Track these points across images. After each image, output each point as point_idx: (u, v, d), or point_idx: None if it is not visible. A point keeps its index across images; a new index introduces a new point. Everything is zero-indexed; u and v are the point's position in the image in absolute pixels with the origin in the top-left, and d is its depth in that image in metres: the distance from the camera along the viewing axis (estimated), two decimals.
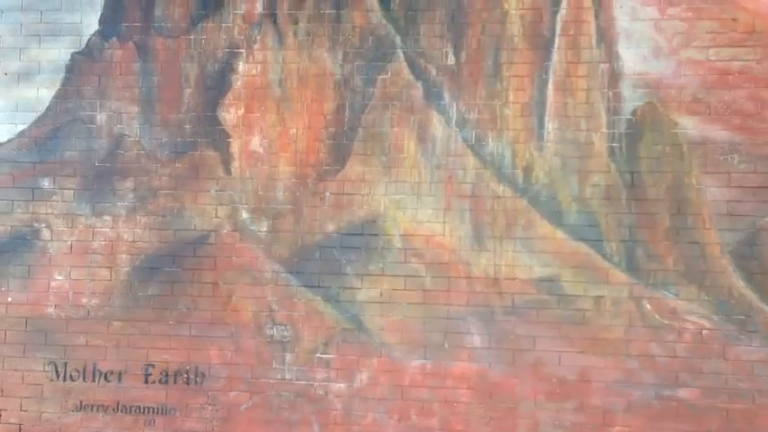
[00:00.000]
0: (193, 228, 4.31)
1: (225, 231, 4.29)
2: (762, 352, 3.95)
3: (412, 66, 4.23)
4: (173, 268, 4.30)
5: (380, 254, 4.19)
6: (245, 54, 4.36)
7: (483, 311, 4.11)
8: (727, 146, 4.00)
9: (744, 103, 4.00)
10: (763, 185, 3.95)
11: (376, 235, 4.20)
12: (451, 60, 4.22)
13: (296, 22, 4.35)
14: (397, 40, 4.25)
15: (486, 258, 4.11)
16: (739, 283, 3.97)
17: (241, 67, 4.35)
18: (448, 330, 4.12)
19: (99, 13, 4.42)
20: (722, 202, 3.98)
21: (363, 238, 4.21)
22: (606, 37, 4.12)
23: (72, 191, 4.34)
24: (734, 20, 4.01)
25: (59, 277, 4.29)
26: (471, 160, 4.16)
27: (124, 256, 4.27)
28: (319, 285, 4.22)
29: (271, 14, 4.36)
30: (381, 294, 4.17)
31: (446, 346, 4.12)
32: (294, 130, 4.30)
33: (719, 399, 3.95)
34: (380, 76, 4.23)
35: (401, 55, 4.24)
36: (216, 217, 4.30)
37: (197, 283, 4.27)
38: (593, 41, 4.13)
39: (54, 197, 4.36)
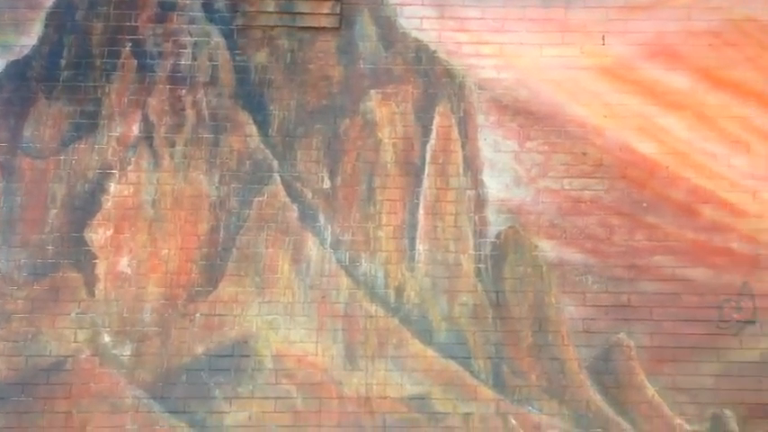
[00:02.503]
0: (48, 353, 4.09)
1: (83, 356, 4.08)
2: None
3: (288, 189, 4.30)
4: (21, 398, 4.03)
5: (251, 375, 4.09)
6: (117, 175, 4.30)
7: None
8: (581, 267, 4.22)
9: (595, 228, 4.27)
10: (615, 304, 4.16)
11: (247, 356, 4.11)
12: (327, 184, 4.32)
13: (173, 145, 4.36)
14: (275, 164, 4.33)
15: (357, 378, 4.09)
16: (596, 397, 4.09)
17: (113, 187, 4.29)
18: None
19: None
20: (578, 319, 4.16)
21: (234, 359, 4.11)
22: (472, 166, 4.35)
23: None
24: (584, 154, 4.33)
25: None
26: (345, 281, 4.21)
27: None
28: (185, 411, 4.05)
29: (147, 137, 4.36)
30: (250, 417, 4.05)
31: None
32: (166, 251, 4.23)
33: None
34: (257, 199, 4.28)
35: (278, 178, 4.31)
36: (74, 341, 4.10)
37: (48, 413, 4.00)
38: (461, 170, 4.35)
39: None
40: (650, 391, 4.09)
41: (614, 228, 4.27)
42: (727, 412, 4.05)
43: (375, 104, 4.47)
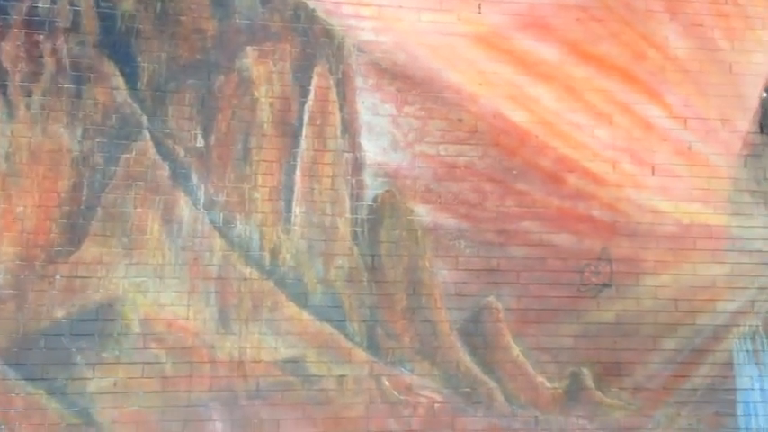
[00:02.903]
0: None
1: None
2: (485, 422, 4.17)
3: (158, 146, 4.10)
4: None
5: (116, 340, 3.92)
6: None
7: (226, 396, 3.96)
8: (455, 232, 4.29)
9: (468, 194, 4.34)
10: (485, 268, 4.28)
11: (112, 320, 3.94)
12: (200, 143, 4.15)
13: (29, 95, 4.06)
14: (144, 119, 4.11)
15: (231, 341, 4.01)
16: (466, 358, 4.20)
17: None
18: (188, 418, 3.91)
19: None
20: (451, 283, 4.24)
21: (98, 323, 3.92)
22: (350, 128, 4.30)
23: None
24: (460, 120, 4.39)
25: None
26: (218, 242, 4.08)
27: None
28: (43, 377, 3.83)
29: (0, 86, 4.07)
30: (115, 384, 3.89)
31: None
32: (21, 209, 3.95)
33: None
34: (124, 155, 4.06)
35: (147, 135, 4.10)
36: None
37: None
38: (338, 132, 4.29)
39: None
40: (516, 351, 4.26)
41: (487, 194, 4.37)
42: (585, 370, 4.31)
43: (251, 62, 4.32)
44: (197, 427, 3.93)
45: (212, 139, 4.21)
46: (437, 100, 4.41)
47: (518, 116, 4.46)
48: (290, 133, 4.29)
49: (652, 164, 4.51)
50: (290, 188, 4.24)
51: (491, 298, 4.30)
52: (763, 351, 4.42)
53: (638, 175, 4.49)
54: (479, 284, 4.30)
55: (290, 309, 4.12)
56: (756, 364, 4.40)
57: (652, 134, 4.53)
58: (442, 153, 4.39)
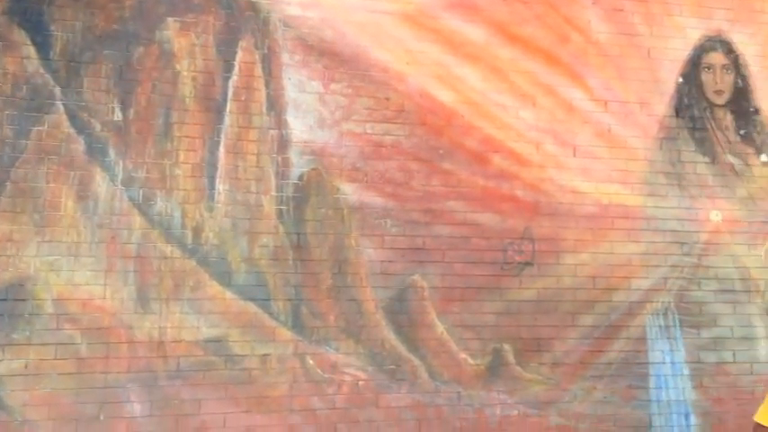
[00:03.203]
0: None
1: None
2: (408, 398, 4.20)
3: (73, 119, 3.94)
4: None
5: (28, 320, 3.78)
6: None
7: (145, 377, 3.87)
8: (381, 211, 4.27)
9: (395, 173, 4.33)
10: (411, 247, 4.28)
11: (23, 300, 3.79)
12: (118, 116, 4.00)
13: None
14: (57, 91, 3.94)
15: (150, 321, 3.90)
16: (391, 336, 4.21)
17: None
18: (105, 400, 3.81)
19: None
20: (377, 262, 4.23)
21: (7, 303, 3.77)
22: (276, 105, 4.21)
23: None
24: (387, 99, 4.35)
25: None
26: (137, 220, 3.95)
27: None
28: None
29: None
30: (27, 365, 3.75)
31: (101, 417, 3.79)
32: None
33: None
34: (36, 128, 3.90)
35: (61, 107, 3.93)
36: None
37: None
38: (264, 108, 4.20)
39: None
40: (440, 328, 4.30)
41: (413, 173, 4.36)
42: (506, 346, 4.39)
43: (173, 34, 4.18)
44: (114, 409, 3.82)
45: (131, 112, 4.06)
46: (364, 78, 4.38)
47: (445, 96, 4.47)
48: (214, 109, 4.17)
49: (574, 145, 4.61)
50: (213, 165, 4.14)
51: (416, 276, 4.32)
52: (674, 326, 4.62)
53: (561, 156, 4.58)
54: (405, 263, 4.31)
55: (213, 288, 4.05)
56: (668, 339, 4.60)
57: (574, 116, 4.62)
58: (369, 131, 4.36)
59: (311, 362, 4.13)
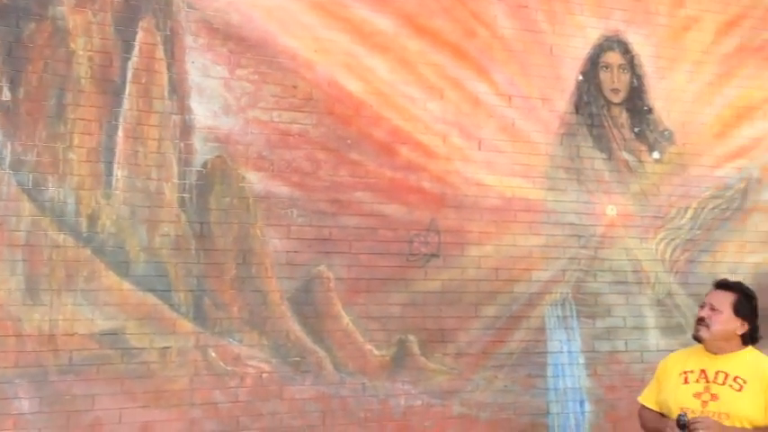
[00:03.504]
0: None
1: None
2: (312, 390, 4.16)
3: None
4: None
5: None
6: None
7: (34, 372, 3.68)
8: (287, 201, 4.19)
9: (302, 162, 4.25)
10: (318, 237, 4.23)
11: None
12: (6, 96, 3.76)
13: None
14: None
15: (40, 313, 3.71)
16: (296, 327, 4.15)
17: None
18: None
19: None
20: (282, 252, 4.16)
21: None
22: (179, 89, 4.05)
23: None
24: (294, 87, 4.27)
25: None
26: (27, 206, 3.74)
27: None
28: None
29: None
30: None
31: None
32: None
33: None
34: None
35: None
36: None
37: None
38: (166, 92, 4.04)
39: None
40: (345, 320, 4.27)
41: (320, 162, 4.31)
42: (411, 337, 4.43)
43: (67, 10, 3.95)
44: (1, 406, 3.62)
45: (21, 92, 3.81)
46: (271, 64, 4.29)
47: (353, 85, 4.44)
48: (112, 91, 3.97)
49: (479, 138, 4.69)
50: (110, 150, 3.95)
51: (322, 267, 4.29)
52: (572, 317, 4.80)
53: (466, 149, 4.65)
54: (311, 254, 4.27)
55: (110, 278, 3.87)
56: (565, 328, 4.77)
57: (479, 110, 4.71)
58: (276, 119, 4.27)
59: (213, 354, 4.03)
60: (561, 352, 4.73)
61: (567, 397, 4.71)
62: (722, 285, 3.25)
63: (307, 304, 4.24)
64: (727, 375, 3.07)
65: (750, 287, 3.37)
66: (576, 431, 4.70)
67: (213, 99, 4.17)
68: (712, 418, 2.96)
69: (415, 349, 4.42)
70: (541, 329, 4.70)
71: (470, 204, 4.62)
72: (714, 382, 3.08)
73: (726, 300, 3.16)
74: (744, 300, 3.17)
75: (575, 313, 4.78)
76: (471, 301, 4.57)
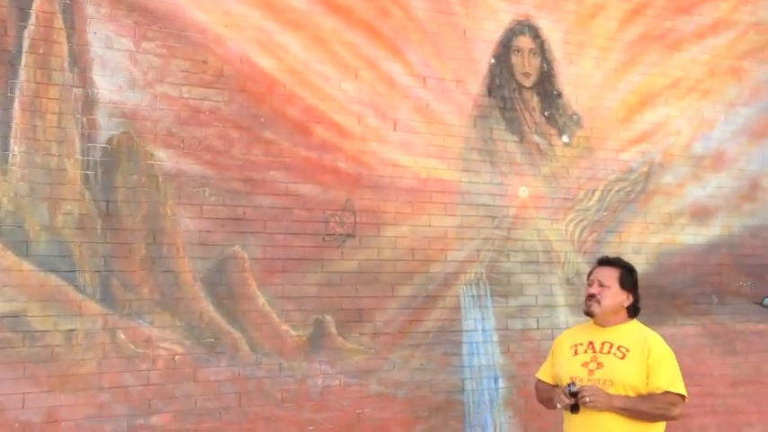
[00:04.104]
0: None
1: None
2: (228, 371, 4.09)
3: None
4: None
5: None
6: None
7: None
8: (199, 179, 4.09)
9: (214, 140, 4.15)
10: (231, 217, 4.15)
11: None
12: None
13: None
14: None
15: None
16: (210, 308, 4.08)
17: None
18: None
19: None
20: (195, 232, 4.06)
21: None
22: (80, 61, 3.89)
23: None
24: (204, 62, 4.15)
25: None
26: None
27: None
28: None
29: None
30: None
31: None
32: None
33: (189, 421, 3.96)
34: None
35: None
36: None
37: None
38: (66, 64, 3.87)
39: None
40: (261, 300, 4.20)
41: (233, 141, 4.22)
42: (328, 317, 4.41)
43: None
44: None
45: None
46: (180, 38, 4.16)
47: (266, 63, 4.35)
48: (6, 61, 3.74)
49: (394, 119, 4.73)
50: (6, 124, 3.73)
51: (236, 247, 4.22)
52: (486, 296, 4.93)
53: (382, 129, 4.67)
54: (224, 233, 4.19)
55: (8, 259, 3.66)
56: (480, 308, 4.90)
57: (394, 90, 4.73)
58: (186, 95, 4.14)
59: (123, 336, 3.90)
60: (476, 330, 4.85)
61: (481, 374, 4.83)
62: (606, 262, 3.49)
63: (221, 285, 4.16)
64: (612, 345, 3.30)
65: (645, 265, 3.58)
66: (490, 407, 4.82)
67: (118, 72, 4.03)
68: (597, 386, 3.16)
69: (332, 329, 4.43)
70: (456, 309, 4.80)
71: (386, 185, 4.67)
72: (600, 352, 3.31)
73: (612, 275, 3.40)
74: (627, 274, 3.43)
75: (489, 292, 4.91)
76: (387, 281, 4.61)
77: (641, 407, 3.15)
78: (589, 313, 3.40)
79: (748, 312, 5.71)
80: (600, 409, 3.13)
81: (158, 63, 4.13)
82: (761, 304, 5.78)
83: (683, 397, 3.24)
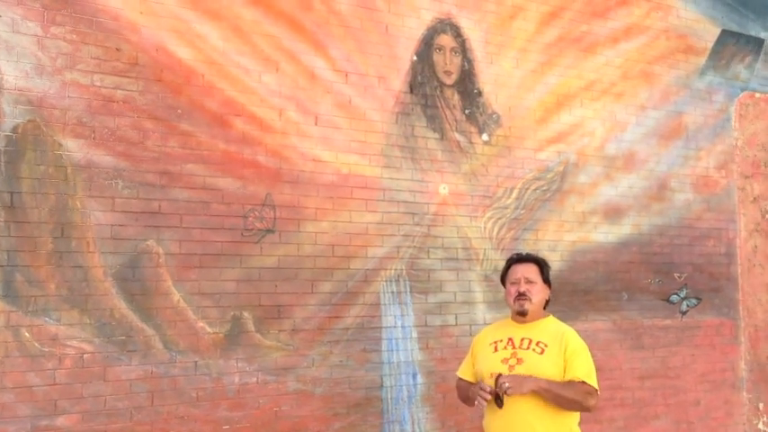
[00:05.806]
0: None
1: None
2: (140, 370, 3.98)
3: None
4: None
5: None
6: None
7: None
8: (111, 171, 3.96)
9: (127, 130, 4.03)
10: (146, 210, 4.04)
11: None
12: None
13: None
14: None
15: None
16: (122, 305, 3.95)
17: None
18: None
19: None
20: (106, 225, 3.93)
21: None
22: None
23: None
24: (118, 50, 4.02)
25: None
26: None
27: None
28: None
29: None
30: None
31: None
32: None
33: (98, 421, 3.84)
34: None
35: None
36: None
37: None
38: None
39: None
40: (176, 296, 4.09)
41: (148, 132, 4.10)
42: (246, 314, 4.34)
43: None
44: None
45: None
46: (91, 24, 4.00)
47: (183, 52, 4.25)
48: None
49: (316, 114, 4.68)
50: None
51: (151, 242, 4.09)
52: (406, 292, 4.95)
53: (303, 123, 4.62)
54: (138, 227, 4.06)
55: None
56: (399, 304, 4.91)
57: (316, 85, 4.69)
58: (98, 83, 4.00)
59: (27, 334, 3.72)
60: (395, 327, 4.87)
61: (400, 370, 4.85)
62: (525, 259, 3.58)
63: (133, 280, 4.03)
64: (531, 341, 3.39)
65: (560, 262, 3.63)
66: (409, 403, 4.85)
67: (24, 58, 3.85)
68: (516, 374, 3.27)
69: (250, 326, 4.36)
70: (376, 305, 4.80)
71: (306, 180, 4.62)
72: (520, 348, 3.39)
73: (535, 271, 3.50)
74: (545, 267, 3.53)
75: (408, 289, 4.93)
76: (307, 278, 4.57)
77: (562, 392, 3.25)
78: (522, 312, 3.48)
79: (656, 308, 5.94)
80: (523, 393, 3.19)
81: (68, 49, 3.97)
82: (667, 301, 6.02)
83: (596, 390, 3.34)
